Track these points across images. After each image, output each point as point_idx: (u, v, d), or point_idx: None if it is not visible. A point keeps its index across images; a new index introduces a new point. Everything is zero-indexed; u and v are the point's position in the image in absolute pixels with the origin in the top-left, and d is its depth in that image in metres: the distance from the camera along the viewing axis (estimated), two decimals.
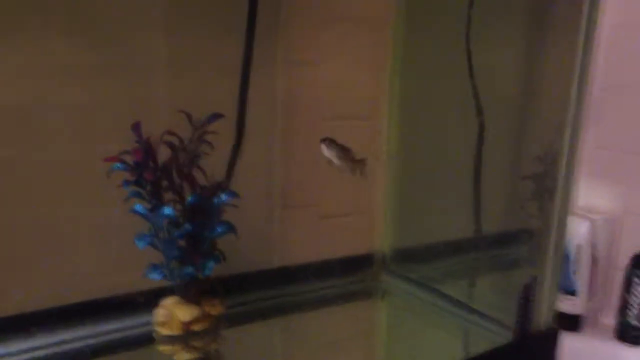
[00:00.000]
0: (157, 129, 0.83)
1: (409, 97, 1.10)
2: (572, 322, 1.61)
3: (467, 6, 1.05)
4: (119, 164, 0.80)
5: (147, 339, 0.86)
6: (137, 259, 0.84)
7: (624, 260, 1.58)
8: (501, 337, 0.89)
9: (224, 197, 0.84)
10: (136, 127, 0.81)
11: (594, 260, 1.61)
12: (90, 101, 0.89)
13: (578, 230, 1.59)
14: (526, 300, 0.85)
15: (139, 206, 0.80)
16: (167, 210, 0.80)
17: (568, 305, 1.60)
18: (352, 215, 1.12)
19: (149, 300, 0.86)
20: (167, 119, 0.86)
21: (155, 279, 0.82)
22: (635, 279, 1.51)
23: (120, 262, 0.88)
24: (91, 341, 0.85)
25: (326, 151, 0.93)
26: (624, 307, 1.54)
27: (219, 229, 0.83)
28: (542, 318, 0.90)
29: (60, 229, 0.87)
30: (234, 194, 0.86)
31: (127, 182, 0.81)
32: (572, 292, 1.59)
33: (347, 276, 1.08)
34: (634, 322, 1.52)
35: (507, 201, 1.11)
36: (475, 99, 1.07)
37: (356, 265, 1.09)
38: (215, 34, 0.95)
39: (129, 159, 0.81)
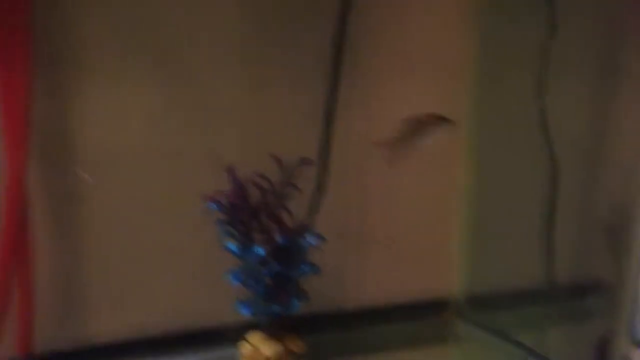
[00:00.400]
0: (246, 171, 0.88)
1: (483, 143, 1.13)
2: None
3: (540, 66, 1.08)
4: (213, 204, 0.85)
5: None
6: (225, 294, 0.88)
7: None
8: None
9: (310, 239, 0.88)
10: (231, 170, 0.86)
11: None
12: (185, 144, 0.96)
13: None
14: (601, 353, 0.85)
15: (232, 245, 0.85)
16: (259, 250, 0.84)
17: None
18: (427, 255, 1.14)
19: (236, 334, 0.90)
20: (255, 161, 0.91)
21: (245, 315, 0.87)
22: None
23: (209, 296, 0.93)
24: None
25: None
26: None
27: (305, 270, 0.87)
28: None
29: (155, 261, 0.94)
30: (320, 237, 0.90)
31: (220, 222, 0.86)
32: None
33: (421, 319, 1.10)
34: None
35: (582, 250, 1.12)
36: (549, 148, 1.09)
37: (430, 309, 1.11)
38: (301, 82, 1.01)
39: (224, 199, 0.86)
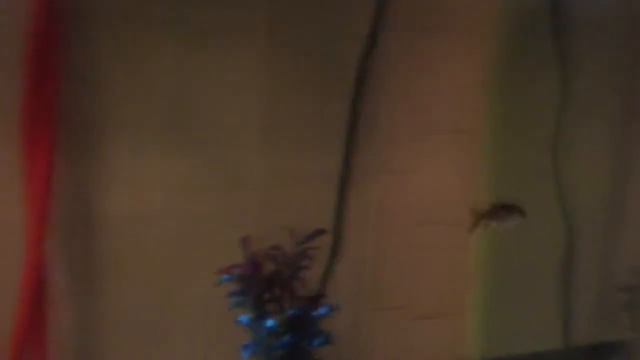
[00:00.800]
0: (261, 241, 0.89)
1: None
2: None
3: (556, 118, 1.07)
4: (227, 276, 0.86)
5: None
6: None
7: None
8: None
9: (323, 310, 0.88)
10: (244, 241, 0.87)
11: None
12: (202, 210, 0.96)
13: None
14: None
15: (244, 317, 0.86)
16: (270, 323, 0.85)
17: None
18: (440, 318, 1.13)
19: None
20: (272, 229, 0.92)
21: None
22: None
23: None
24: None
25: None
26: None
27: (317, 341, 0.87)
28: None
29: (171, 327, 0.95)
30: (333, 308, 0.90)
31: (233, 293, 0.86)
32: None
33: None
34: None
35: (600, 312, 1.10)
36: (563, 207, 1.08)
37: None
38: (316, 150, 1.01)
39: (237, 271, 0.86)
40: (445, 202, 1.13)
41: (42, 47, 0.83)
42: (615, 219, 1.09)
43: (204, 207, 0.96)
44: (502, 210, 0.99)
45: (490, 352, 1.07)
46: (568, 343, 1.06)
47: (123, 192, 0.92)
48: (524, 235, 1.10)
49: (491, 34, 1.11)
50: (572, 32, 1.11)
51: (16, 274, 0.84)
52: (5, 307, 0.84)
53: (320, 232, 0.90)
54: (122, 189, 0.92)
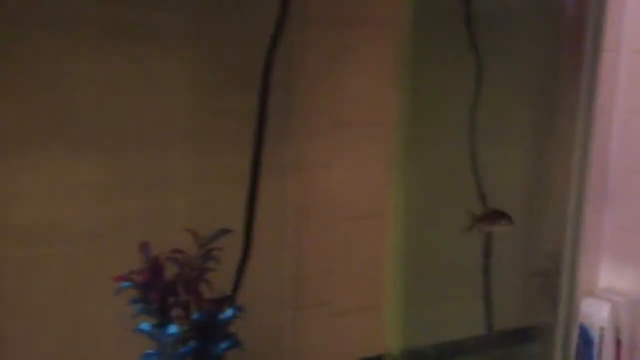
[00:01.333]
0: (168, 245, 0.86)
1: (415, 195, 1.12)
2: None
3: (471, 108, 1.07)
4: (127, 283, 0.82)
5: None
6: None
7: None
8: None
9: (229, 312, 0.85)
10: (144, 246, 0.83)
11: (619, 343, 1.57)
12: (100, 216, 0.92)
13: (600, 313, 1.56)
14: None
15: (145, 325, 0.82)
16: (172, 329, 0.81)
17: None
18: (363, 311, 1.12)
19: None
20: (175, 235, 0.88)
21: None
22: None
23: None
24: None
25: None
26: None
27: (224, 345, 0.84)
28: None
29: (74, 337, 0.90)
30: (240, 309, 0.87)
31: (134, 301, 0.83)
32: None
33: None
34: None
35: (518, 298, 1.10)
36: (481, 195, 1.08)
37: None
38: (224, 146, 0.98)
39: (136, 277, 0.83)
40: (363, 196, 1.12)
41: None
42: (533, 205, 1.09)
43: (120, 212, 0.92)
44: (495, 215, 1.01)
45: (412, 342, 1.07)
46: (490, 329, 1.05)
47: (33, 202, 0.87)
48: (443, 226, 1.10)
49: (403, 25, 1.10)
50: (486, 21, 1.10)
51: None
52: None
53: (224, 232, 0.87)
54: (31, 199, 0.87)
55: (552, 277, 1.02)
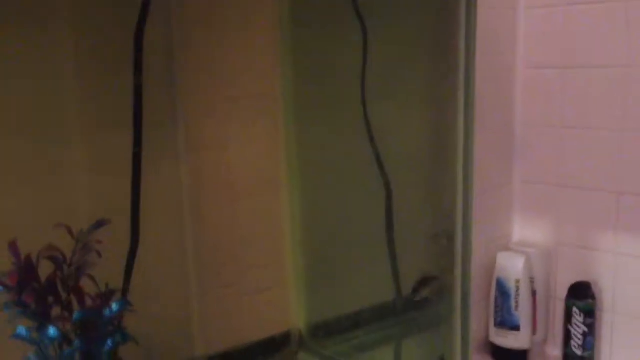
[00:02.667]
0: (45, 241, 0.81)
1: (311, 166, 1.10)
2: (520, 357, 1.61)
3: (359, 74, 1.05)
4: None
5: None
6: None
7: (562, 290, 1.58)
8: None
9: (114, 307, 0.81)
10: (12, 246, 0.78)
11: (534, 294, 1.61)
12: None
13: (515, 266, 1.59)
14: None
15: (21, 329, 0.77)
16: (52, 332, 0.77)
17: (513, 340, 1.59)
18: (269, 290, 1.10)
19: None
20: (52, 231, 0.83)
21: None
22: (575, 310, 1.52)
23: None
24: None
25: None
26: (567, 337, 1.55)
27: (110, 343, 0.80)
28: None
29: None
30: (126, 303, 0.83)
31: (7, 305, 0.78)
32: (516, 328, 1.59)
33: (266, 357, 1.06)
34: (579, 352, 1.52)
35: (422, 262, 1.10)
36: (377, 160, 1.06)
37: (275, 345, 1.07)
38: (104, 132, 0.93)
39: (6, 280, 0.78)
40: (259, 172, 1.09)
41: None
42: (428, 168, 1.08)
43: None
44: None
45: (319, 316, 1.06)
46: (397, 295, 1.05)
47: None
48: (343, 193, 1.08)
49: None
50: None
51: None
52: None
53: (101, 223, 0.82)
54: None
55: (451, 238, 1.02)
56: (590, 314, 1.50)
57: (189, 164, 1.01)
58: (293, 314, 1.08)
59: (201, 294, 1.04)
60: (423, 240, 1.10)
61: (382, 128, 1.07)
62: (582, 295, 1.52)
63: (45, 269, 0.81)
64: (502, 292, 1.59)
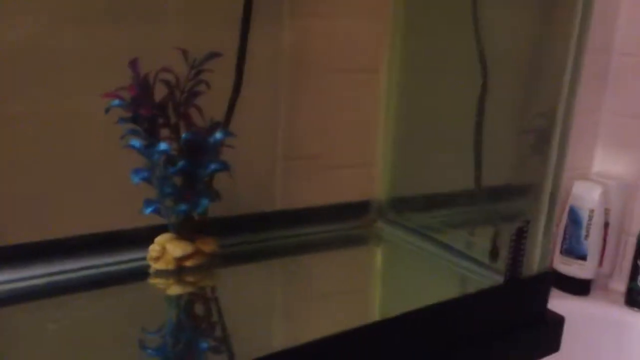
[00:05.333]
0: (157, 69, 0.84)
1: (411, 50, 1.10)
2: (582, 287, 1.61)
3: None
4: (116, 101, 0.81)
5: (142, 274, 0.88)
6: (136, 197, 0.86)
7: (636, 226, 1.56)
8: (495, 282, 0.89)
9: (218, 135, 0.85)
10: (133, 63, 0.82)
11: (606, 226, 1.60)
12: (89, 43, 0.90)
13: (591, 195, 1.57)
14: (518, 243, 0.84)
15: (135, 141, 0.82)
16: (163, 146, 0.81)
17: (577, 269, 1.59)
18: (354, 167, 1.12)
19: (146, 236, 0.88)
20: (166, 60, 0.87)
21: (148, 214, 0.84)
22: None
23: (119, 199, 0.89)
24: (88, 272, 0.87)
25: None
26: (635, 272, 1.53)
27: (212, 166, 0.84)
28: (534, 263, 0.89)
29: (59, 165, 0.90)
30: (230, 133, 0.87)
31: (123, 119, 0.82)
32: (582, 257, 1.58)
33: (344, 222, 1.09)
34: None
35: (509, 155, 1.10)
36: (480, 54, 1.06)
37: (353, 211, 1.10)
38: None
39: (126, 95, 0.82)
40: (360, 49, 1.10)
41: None
42: (531, 66, 1.07)
43: (94, 38, 0.89)
44: None
45: (401, 192, 1.08)
46: (478, 184, 1.05)
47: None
48: (439, 82, 1.08)
49: None
50: None
51: None
52: None
53: (214, 54, 0.85)
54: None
55: (544, 136, 1.02)
56: None
57: (293, 27, 1.02)
58: (376, 188, 1.10)
59: (286, 159, 1.07)
60: (513, 136, 1.09)
61: (490, 26, 1.06)
62: None
63: (157, 95, 0.84)
64: (574, 220, 1.58)
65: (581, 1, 0.92)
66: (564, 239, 1.57)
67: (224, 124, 0.95)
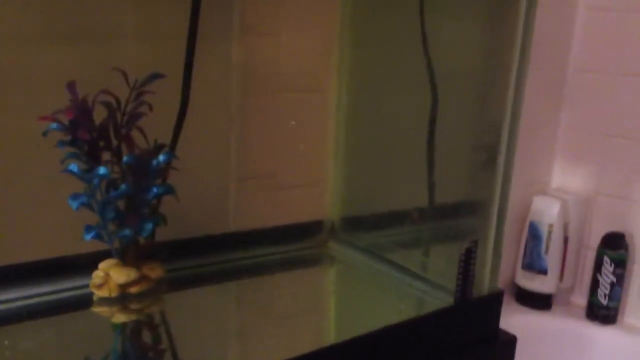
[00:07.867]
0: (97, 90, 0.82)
1: (361, 70, 1.10)
2: (543, 301, 1.61)
3: None
4: (54, 124, 0.79)
5: (85, 302, 0.85)
6: (80, 222, 0.83)
7: (595, 240, 1.57)
8: (446, 303, 0.88)
9: (162, 157, 0.83)
10: (71, 86, 0.80)
11: (566, 240, 1.61)
12: (31, 64, 0.88)
13: (550, 210, 1.58)
14: (467, 263, 0.84)
15: (74, 166, 0.80)
16: (102, 170, 0.79)
17: (539, 284, 1.59)
18: (306, 186, 1.11)
19: (91, 263, 0.86)
20: (115, 81, 0.85)
21: (89, 240, 0.82)
22: (606, 259, 1.51)
23: (59, 225, 0.87)
24: (29, 302, 0.84)
25: None
26: (595, 286, 1.54)
27: (156, 190, 0.82)
28: (484, 282, 0.89)
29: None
30: (174, 155, 0.85)
31: (62, 143, 0.80)
32: (543, 271, 1.59)
33: (296, 243, 1.07)
34: (604, 302, 1.51)
35: (461, 172, 1.10)
36: (429, 71, 1.06)
37: (305, 232, 1.09)
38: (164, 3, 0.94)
39: (64, 118, 0.80)
40: (308, 68, 1.09)
41: None
42: (478, 80, 1.08)
43: (37, 59, 0.87)
44: None
45: (352, 211, 1.07)
46: (430, 202, 1.05)
47: None
48: (389, 98, 1.08)
49: None
50: None
51: None
52: None
53: (156, 75, 0.84)
54: None
55: (492, 152, 1.02)
56: (621, 264, 1.49)
57: (241, 46, 1.02)
58: (328, 207, 1.09)
59: (239, 177, 1.05)
60: (463, 153, 1.09)
61: (437, 37, 1.06)
62: (615, 245, 1.51)
63: (98, 118, 0.82)
64: (534, 235, 1.58)
65: (522, 17, 0.93)
66: (525, 254, 1.57)
67: (171, 146, 0.93)
